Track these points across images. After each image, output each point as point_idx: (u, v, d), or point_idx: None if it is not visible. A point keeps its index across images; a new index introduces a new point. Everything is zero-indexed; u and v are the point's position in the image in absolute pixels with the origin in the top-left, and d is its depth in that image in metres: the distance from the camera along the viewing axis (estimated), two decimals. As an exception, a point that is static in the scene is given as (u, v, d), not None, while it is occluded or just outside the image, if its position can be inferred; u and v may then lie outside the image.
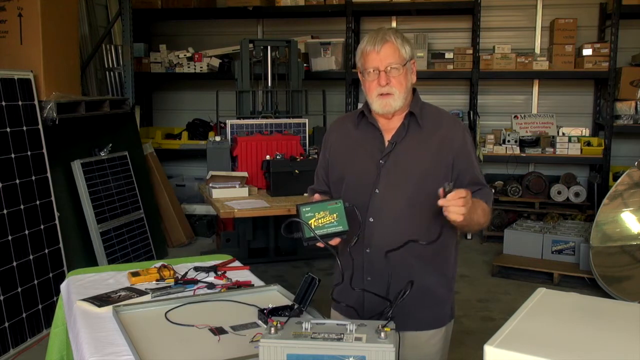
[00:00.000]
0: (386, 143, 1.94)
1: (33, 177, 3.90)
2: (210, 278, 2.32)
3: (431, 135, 1.92)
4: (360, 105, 2.05)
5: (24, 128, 3.87)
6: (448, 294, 2.02)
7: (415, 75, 1.95)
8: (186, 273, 2.35)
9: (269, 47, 5.52)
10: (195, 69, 6.58)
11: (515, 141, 6.13)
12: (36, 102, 4.01)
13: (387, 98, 1.88)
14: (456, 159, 1.90)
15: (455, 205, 1.67)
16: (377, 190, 1.91)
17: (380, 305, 1.70)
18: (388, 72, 1.86)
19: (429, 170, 1.89)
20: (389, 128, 1.95)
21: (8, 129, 3.73)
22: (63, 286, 2.37)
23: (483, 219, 1.87)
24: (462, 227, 1.85)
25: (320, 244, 1.75)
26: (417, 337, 1.96)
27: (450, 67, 6.21)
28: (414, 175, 1.89)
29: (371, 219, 1.91)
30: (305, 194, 4.57)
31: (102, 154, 4.83)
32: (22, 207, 3.77)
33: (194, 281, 2.26)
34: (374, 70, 1.88)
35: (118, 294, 2.12)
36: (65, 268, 4.04)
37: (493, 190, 5.66)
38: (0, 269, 3.53)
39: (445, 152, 1.90)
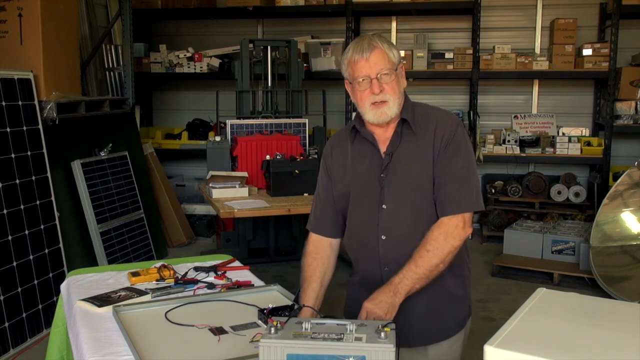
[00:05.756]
0: (383, 155, 1.88)
1: (33, 177, 3.90)
2: (210, 278, 2.32)
3: (424, 138, 1.85)
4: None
5: (24, 128, 3.87)
6: (465, 293, 1.98)
7: (405, 78, 1.89)
8: (186, 273, 2.35)
9: (269, 47, 5.52)
10: (195, 69, 6.58)
11: (515, 141, 6.13)
12: (36, 102, 4.01)
13: (381, 107, 1.81)
14: (440, 155, 1.82)
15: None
16: (384, 206, 1.85)
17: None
18: (380, 79, 1.79)
19: (429, 175, 1.83)
20: (384, 138, 1.88)
21: (8, 129, 3.72)
22: (63, 286, 2.37)
23: (432, 267, 1.77)
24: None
25: None
26: (441, 344, 1.92)
27: (450, 67, 6.21)
28: (415, 183, 1.84)
29: (383, 237, 1.85)
30: (306, 194, 4.61)
31: (102, 154, 4.83)
32: (22, 207, 3.77)
33: (194, 281, 2.26)
34: (364, 79, 1.80)
35: (118, 294, 2.12)
36: (65, 268, 4.04)
37: (491, 189, 5.55)
38: (0, 269, 3.53)
39: (436, 150, 1.83)
